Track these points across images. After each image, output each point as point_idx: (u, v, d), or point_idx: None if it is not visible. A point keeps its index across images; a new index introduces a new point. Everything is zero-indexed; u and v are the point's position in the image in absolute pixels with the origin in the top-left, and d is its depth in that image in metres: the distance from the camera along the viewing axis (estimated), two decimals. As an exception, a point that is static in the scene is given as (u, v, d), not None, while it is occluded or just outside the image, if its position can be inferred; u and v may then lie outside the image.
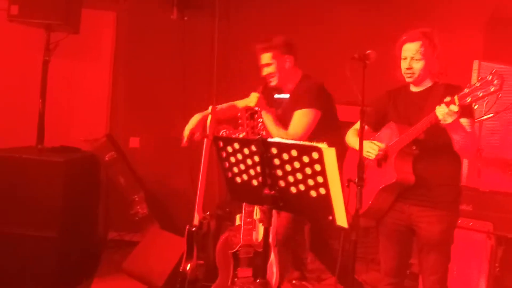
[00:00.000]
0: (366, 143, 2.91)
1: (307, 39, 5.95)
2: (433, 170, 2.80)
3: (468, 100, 2.45)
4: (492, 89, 2.36)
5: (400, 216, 2.91)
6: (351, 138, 3.19)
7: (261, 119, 3.13)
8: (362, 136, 2.69)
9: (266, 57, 3.63)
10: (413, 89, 2.97)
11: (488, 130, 5.03)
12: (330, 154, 2.12)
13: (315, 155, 2.14)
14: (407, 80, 2.92)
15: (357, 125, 3.05)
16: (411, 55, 2.84)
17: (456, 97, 2.48)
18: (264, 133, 3.14)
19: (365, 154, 2.88)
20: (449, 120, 2.51)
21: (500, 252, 3.94)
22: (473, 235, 3.89)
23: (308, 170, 2.19)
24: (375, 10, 5.66)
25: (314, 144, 2.14)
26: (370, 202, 2.90)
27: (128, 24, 5.79)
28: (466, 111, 2.64)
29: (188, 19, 5.79)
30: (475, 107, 3.28)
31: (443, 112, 2.51)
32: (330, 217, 2.17)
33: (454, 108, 2.47)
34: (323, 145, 2.11)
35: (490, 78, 2.38)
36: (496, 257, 3.88)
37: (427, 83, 2.92)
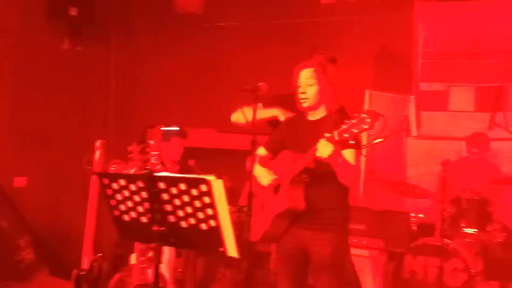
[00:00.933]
0: (261, 171, 3.01)
1: (203, 70, 5.98)
2: (323, 196, 2.91)
3: (345, 136, 2.55)
4: (365, 127, 2.49)
5: (294, 240, 2.99)
6: (256, 166, 3.20)
7: (155, 152, 3.02)
8: (253, 165, 2.71)
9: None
10: (310, 117, 3.06)
11: (380, 153, 5.30)
12: (218, 186, 2.10)
13: (203, 187, 2.12)
14: (303, 105, 3.00)
15: (259, 151, 3.14)
16: (305, 81, 2.95)
17: (335, 133, 2.59)
18: (160, 167, 3.03)
19: (261, 181, 2.99)
20: (325, 154, 2.62)
21: (391, 267, 4.14)
22: (365, 253, 4.05)
23: (197, 203, 2.16)
24: (272, 43, 5.81)
25: (202, 176, 2.09)
26: (266, 228, 2.97)
27: (14, 54, 5.41)
28: (350, 143, 2.75)
29: (82, 49, 5.55)
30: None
31: (321, 147, 2.63)
32: (221, 249, 2.16)
33: (328, 144, 2.60)
34: (211, 177, 2.08)
35: (363, 116, 2.51)
36: (388, 272, 4.06)
37: (322, 112, 3.02)
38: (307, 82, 2.92)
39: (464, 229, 4.33)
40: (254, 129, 2.72)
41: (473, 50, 5.51)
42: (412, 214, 4.58)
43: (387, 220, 4.25)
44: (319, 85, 2.93)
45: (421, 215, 4.66)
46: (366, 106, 5.70)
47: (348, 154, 2.82)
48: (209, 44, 5.89)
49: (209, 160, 4.52)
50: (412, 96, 5.75)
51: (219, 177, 2.09)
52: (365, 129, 2.48)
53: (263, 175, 3.01)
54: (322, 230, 2.90)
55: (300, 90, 2.97)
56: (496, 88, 5.42)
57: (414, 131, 5.70)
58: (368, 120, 2.48)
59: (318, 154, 2.64)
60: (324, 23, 5.60)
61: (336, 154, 2.66)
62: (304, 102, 2.96)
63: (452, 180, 4.68)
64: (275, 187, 3.00)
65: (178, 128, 3.67)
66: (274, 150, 3.14)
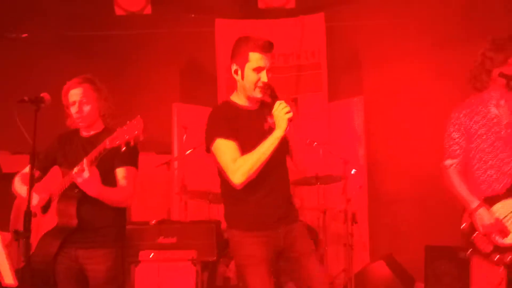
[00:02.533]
0: (22, 189, 2.84)
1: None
2: (96, 212, 2.81)
3: (117, 143, 2.53)
4: (136, 132, 2.50)
5: (68, 261, 2.83)
6: (19, 186, 2.98)
7: None
8: (32, 183, 2.53)
9: None
10: (84, 133, 2.97)
11: (191, 165, 5.41)
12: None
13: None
14: (80, 124, 2.92)
15: (26, 169, 2.92)
16: (78, 99, 2.87)
17: (107, 141, 2.54)
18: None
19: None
20: (79, 179, 2.57)
21: (205, 276, 4.24)
22: (179, 265, 4.09)
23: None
24: (66, 55, 5.55)
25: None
26: (32, 250, 2.71)
27: None
28: (123, 158, 2.77)
29: None
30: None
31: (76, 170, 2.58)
32: None
33: (84, 169, 2.55)
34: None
35: (135, 123, 2.52)
36: (202, 281, 4.15)
37: (98, 127, 2.96)
38: (81, 100, 2.85)
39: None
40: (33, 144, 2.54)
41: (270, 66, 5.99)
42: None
43: (198, 231, 4.33)
44: (93, 102, 2.87)
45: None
46: (174, 119, 5.81)
47: (121, 172, 2.80)
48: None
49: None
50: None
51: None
52: (137, 135, 2.49)
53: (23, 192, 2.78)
54: (95, 247, 2.80)
55: (74, 109, 2.86)
56: (292, 100, 5.97)
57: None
58: (139, 126, 2.49)
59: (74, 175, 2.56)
60: (125, 36, 5.52)
61: (92, 180, 2.58)
62: (79, 121, 2.89)
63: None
64: (42, 208, 2.84)
65: None
66: (43, 168, 2.95)
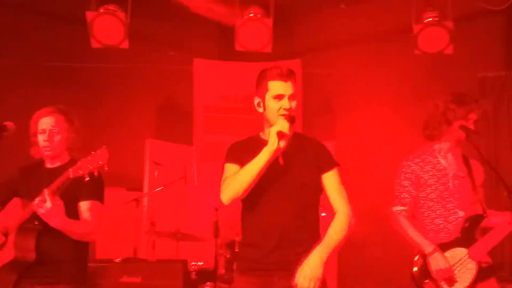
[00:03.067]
0: None
1: None
2: (56, 246, 2.72)
3: (80, 173, 2.52)
4: (100, 163, 2.50)
5: None
6: None
7: None
8: None
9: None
10: (48, 165, 2.91)
11: (161, 203, 5.35)
12: None
13: None
14: (46, 153, 2.85)
15: None
16: (49, 128, 2.83)
17: (70, 170, 2.53)
18: None
19: None
20: (41, 210, 2.51)
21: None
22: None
23: None
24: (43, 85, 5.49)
25: None
26: None
27: None
28: (88, 191, 2.73)
29: None
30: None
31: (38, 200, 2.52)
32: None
33: (47, 199, 2.50)
34: None
35: (99, 153, 2.52)
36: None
37: (64, 159, 2.90)
38: (52, 129, 2.81)
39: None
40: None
41: (245, 106, 6.09)
42: (193, 262, 4.68)
43: (164, 270, 4.22)
44: (62, 134, 2.83)
45: (200, 263, 4.78)
46: (147, 155, 5.78)
47: (84, 205, 2.75)
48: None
49: None
50: (193, 147, 6.02)
51: None
52: (101, 165, 2.48)
53: None
54: (53, 284, 2.69)
55: (43, 137, 2.82)
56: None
57: (195, 180, 5.94)
58: (104, 156, 2.49)
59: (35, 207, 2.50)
60: (102, 69, 5.53)
61: (55, 210, 2.52)
62: (47, 151, 2.83)
63: (226, 225, 4.97)
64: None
65: None
66: (1, 201, 2.88)
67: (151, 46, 5.94)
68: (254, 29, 4.55)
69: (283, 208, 2.41)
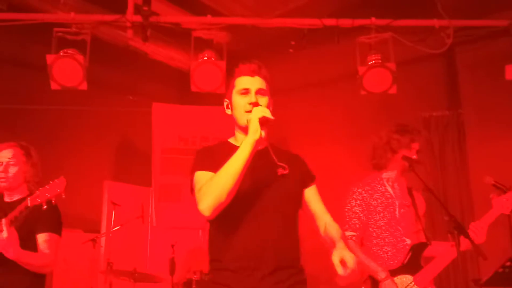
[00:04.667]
0: None
1: None
2: (11, 279, 2.70)
3: (38, 201, 2.56)
4: (58, 191, 2.57)
5: None
6: None
7: None
8: None
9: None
10: (6, 199, 2.94)
11: (118, 243, 5.33)
12: None
13: None
14: (1, 185, 2.90)
15: None
16: (6, 160, 2.89)
17: (28, 199, 2.57)
18: None
19: None
20: None
21: None
22: None
23: None
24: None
25: None
26: None
27: None
28: (45, 224, 2.77)
29: None
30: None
31: None
32: None
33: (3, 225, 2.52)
34: None
35: (57, 182, 2.59)
36: None
37: (22, 193, 2.94)
38: (8, 162, 2.86)
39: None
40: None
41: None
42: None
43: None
44: (19, 166, 2.89)
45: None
46: (105, 197, 5.79)
47: (42, 238, 2.76)
48: None
49: None
50: (151, 188, 6.07)
51: None
52: (59, 193, 2.54)
53: None
54: None
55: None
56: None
57: (153, 221, 5.95)
58: (62, 185, 2.54)
59: None
60: (58, 111, 5.58)
61: (11, 241, 2.53)
62: (2, 182, 2.87)
63: (183, 264, 4.98)
64: None
65: None
66: None
67: (110, 90, 6.06)
68: (208, 71, 4.73)
69: (272, 223, 2.09)
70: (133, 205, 5.53)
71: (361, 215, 3.17)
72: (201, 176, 2.12)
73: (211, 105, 6.29)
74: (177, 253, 4.85)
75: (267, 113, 2.04)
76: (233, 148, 2.12)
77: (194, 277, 4.67)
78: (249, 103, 2.16)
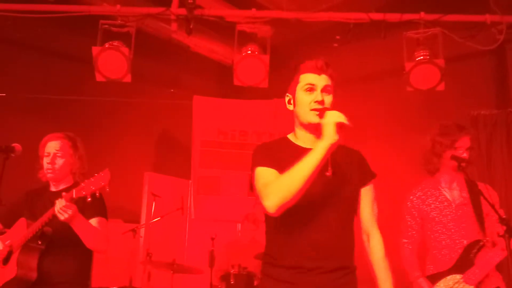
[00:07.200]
0: None
1: None
2: (58, 267, 2.77)
3: (83, 193, 2.58)
4: (102, 184, 2.58)
5: None
6: None
7: None
8: None
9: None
10: (53, 188, 2.99)
11: (157, 234, 5.38)
12: None
13: None
14: (48, 176, 2.94)
15: None
16: (53, 152, 2.93)
17: (74, 191, 2.60)
18: None
19: None
20: (63, 216, 2.56)
21: None
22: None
23: None
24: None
25: None
26: None
27: None
28: (94, 210, 2.79)
29: None
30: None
31: (58, 207, 2.58)
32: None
33: (62, 202, 2.56)
34: None
35: (102, 175, 2.59)
36: None
37: (68, 182, 2.98)
38: (56, 153, 2.90)
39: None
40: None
41: (241, 142, 6.22)
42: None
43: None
44: (66, 158, 2.93)
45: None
46: (145, 189, 5.85)
47: (93, 222, 2.81)
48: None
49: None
50: (190, 181, 6.10)
51: None
52: (103, 186, 2.55)
53: None
54: None
55: (46, 160, 2.92)
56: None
57: (192, 213, 5.99)
58: (107, 178, 2.55)
59: (57, 214, 2.56)
60: (102, 102, 5.66)
61: (74, 214, 2.59)
62: (49, 173, 2.92)
63: (222, 257, 4.98)
64: (5, 258, 2.80)
65: None
66: (6, 223, 2.96)
67: (152, 83, 6.11)
68: (251, 65, 4.70)
69: (329, 224, 2.09)
70: (173, 196, 5.57)
71: (413, 223, 3.21)
72: (264, 173, 2.11)
73: (251, 99, 6.31)
74: (215, 246, 4.85)
75: (344, 119, 1.98)
76: (295, 147, 2.15)
77: (232, 271, 4.65)
78: (315, 101, 2.11)
